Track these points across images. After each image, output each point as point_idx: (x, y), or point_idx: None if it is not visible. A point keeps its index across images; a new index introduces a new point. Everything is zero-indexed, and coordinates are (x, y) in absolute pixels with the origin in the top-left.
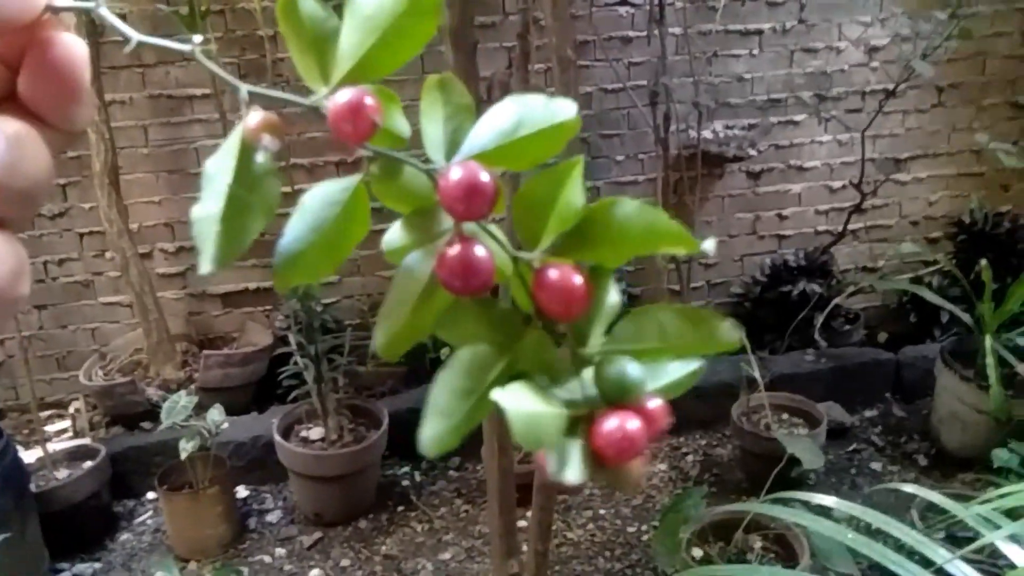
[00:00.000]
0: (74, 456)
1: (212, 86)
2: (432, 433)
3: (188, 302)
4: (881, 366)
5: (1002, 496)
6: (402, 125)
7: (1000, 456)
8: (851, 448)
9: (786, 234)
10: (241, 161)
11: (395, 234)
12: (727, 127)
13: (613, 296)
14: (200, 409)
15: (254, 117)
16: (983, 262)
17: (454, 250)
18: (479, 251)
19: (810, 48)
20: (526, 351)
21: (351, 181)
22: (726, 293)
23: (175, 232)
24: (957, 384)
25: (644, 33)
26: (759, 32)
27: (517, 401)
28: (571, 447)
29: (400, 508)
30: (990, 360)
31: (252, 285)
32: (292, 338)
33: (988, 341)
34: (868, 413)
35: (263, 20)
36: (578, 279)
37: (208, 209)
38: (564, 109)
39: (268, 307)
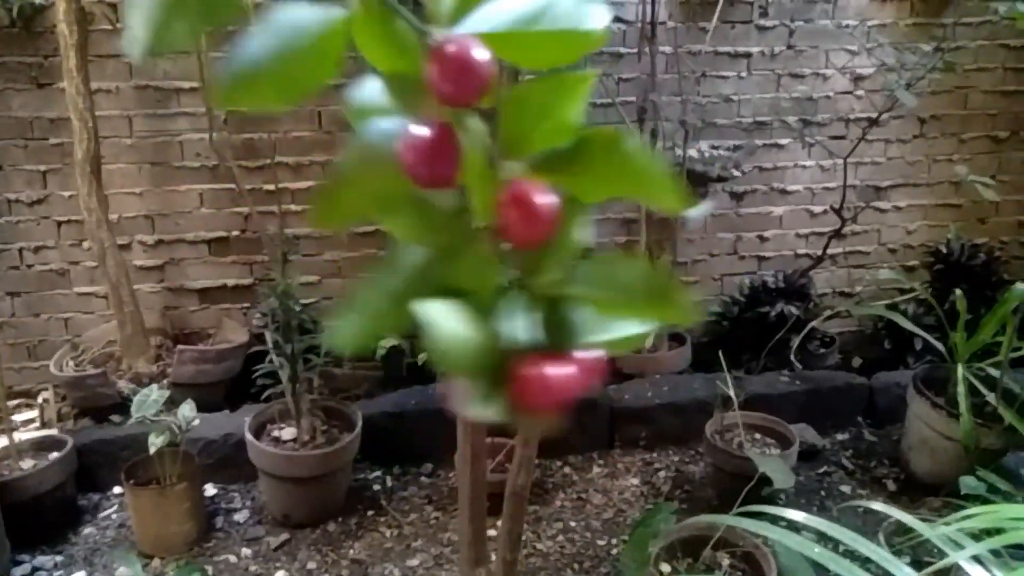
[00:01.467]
0: (40, 447)
1: (200, 79)
2: (348, 326)
3: (165, 296)
4: (854, 390)
5: (967, 517)
6: None
7: (968, 483)
8: (822, 470)
9: (766, 256)
10: None
11: (365, 92)
12: (713, 147)
13: (582, 234)
14: (171, 404)
15: None
16: (958, 292)
17: (425, 131)
18: (453, 141)
19: (797, 73)
20: (471, 267)
21: (333, 13)
22: (704, 312)
23: (155, 224)
24: (928, 411)
25: (635, 50)
26: (748, 55)
27: (444, 318)
28: (492, 382)
29: (370, 512)
30: (961, 389)
31: (231, 282)
32: (268, 337)
33: (960, 370)
34: (840, 436)
35: (255, 15)
36: (551, 203)
37: None
38: (596, 16)
39: (246, 304)
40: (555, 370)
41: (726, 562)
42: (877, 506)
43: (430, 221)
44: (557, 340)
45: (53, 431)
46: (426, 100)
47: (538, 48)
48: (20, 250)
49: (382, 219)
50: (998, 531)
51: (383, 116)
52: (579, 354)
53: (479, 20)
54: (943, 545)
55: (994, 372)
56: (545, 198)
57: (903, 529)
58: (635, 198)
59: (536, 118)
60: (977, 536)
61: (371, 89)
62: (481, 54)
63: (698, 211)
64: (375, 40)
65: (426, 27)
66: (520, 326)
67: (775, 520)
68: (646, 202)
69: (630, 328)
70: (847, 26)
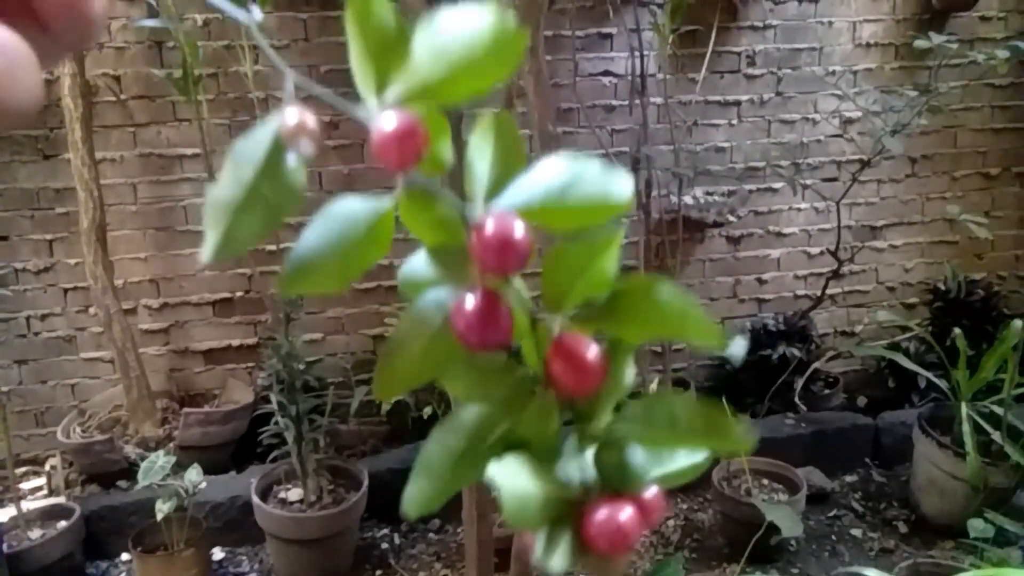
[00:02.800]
0: (48, 515)
1: (202, 146)
2: (418, 493)
3: (170, 358)
4: (860, 431)
5: None
6: (447, 154)
7: (976, 527)
8: (832, 514)
9: (766, 298)
10: (271, 156)
11: (416, 266)
12: (707, 193)
13: (628, 375)
14: (178, 468)
15: (293, 116)
16: (957, 331)
17: (474, 302)
18: (501, 307)
19: (786, 119)
20: (529, 420)
21: (381, 203)
22: (707, 356)
23: (160, 288)
24: (934, 451)
25: (626, 102)
26: (737, 103)
27: (512, 477)
28: (560, 531)
29: (378, 572)
30: (966, 428)
31: (236, 342)
32: (273, 398)
33: (964, 409)
34: (848, 478)
35: (254, 83)
36: (596, 353)
37: (226, 194)
38: (619, 186)
39: (251, 364)
40: (620, 514)
41: None
42: (871, 573)
43: (486, 379)
44: (617, 481)
45: (61, 499)
46: (472, 270)
47: (569, 216)
48: (27, 318)
49: (441, 382)
50: None
51: (432, 287)
52: (640, 494)
53: (514, 194)
54: None
55: (998, 410)
56: (591, 350)
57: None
58: (675, 338)
59: (574, 275)
60: None
61: (419, 262)
62: (519, 228)
63: (738, 348)
64: (420, 220)
65: (466, 206)
66: (580, 471)
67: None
68: (686, 341)
69: (685, 460)
70: (833, 72)
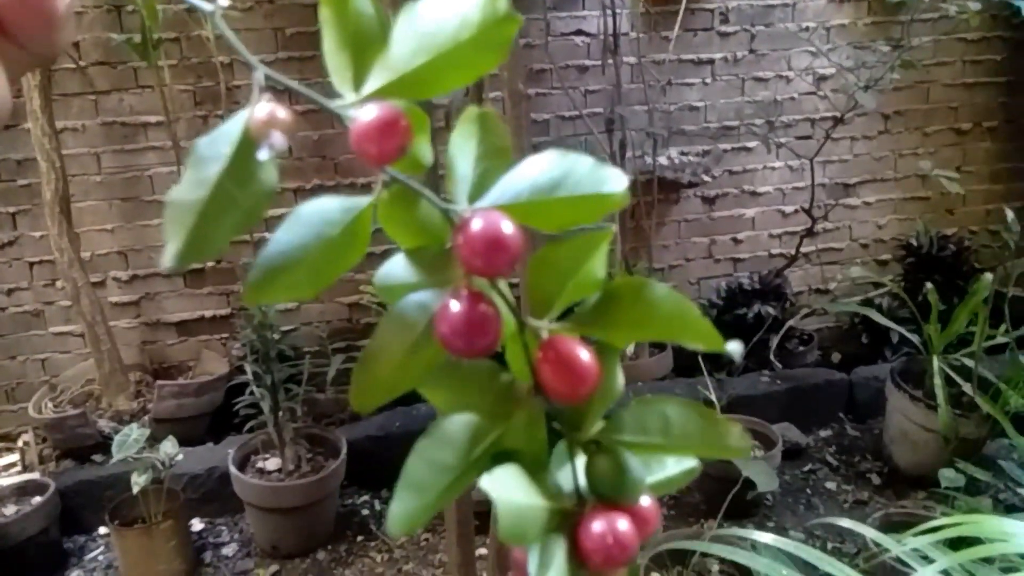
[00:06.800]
0: (23, 491)
1: (165, 114)
2: (402, 510)
3: (142, 331)
4: (834, 386)
5: (934, 530)
6: (426, 152)
7: (947, 476)
8: (807, 468)
9: (741, 257)
10: (239, 152)
11: (394, 270)
12: (682, 154)
13: (619, 380)
14: (153, 441)
15: (264, 108)
16: (928, 286)
17: (459, 305)
18: (488, 311)
19: (760, 77)
20: (517, 428)
21: (357, 202)
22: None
23: (128, 260)
24: (907, 404)
25: (599, 62)
26: (711, 62)
27: (505, 490)
28: (555, 545)
29: (359, 538)
30: (937, 380)
31: (208, 313)
32: (248, 368)
33: (935, 362)
34: (823, 433)
35: (217, 48)
36: (589, 358)
37: (188, 195)
38: (613, 180)
39: (225, 335)
40: (616, 527)
41: (715, 568)
42: (845, 523)
43: (471, 388)
44: (611, 491)
45: (35, 474)
46: (456, 272)
47: (559, 213)
48: None
49: (423, 391)
50: (970, 541)
51: (413, 291)
52: (636, 505)
53: (500, 192)
54: (912, 560)
55: (969, 362)
56: (584, 354)
57: (890, 528)
58: (668, 340)
59: (563, 276)
60: (952, 544)
61: (396, 265)
62: (508, 226)
63: (736, 347)
64: (400, 221)
65: (451, 205)
66: (572, 480)
67: (757, 529)
68: (681, 343)
69: (676, 467)
70: (806, 28)
